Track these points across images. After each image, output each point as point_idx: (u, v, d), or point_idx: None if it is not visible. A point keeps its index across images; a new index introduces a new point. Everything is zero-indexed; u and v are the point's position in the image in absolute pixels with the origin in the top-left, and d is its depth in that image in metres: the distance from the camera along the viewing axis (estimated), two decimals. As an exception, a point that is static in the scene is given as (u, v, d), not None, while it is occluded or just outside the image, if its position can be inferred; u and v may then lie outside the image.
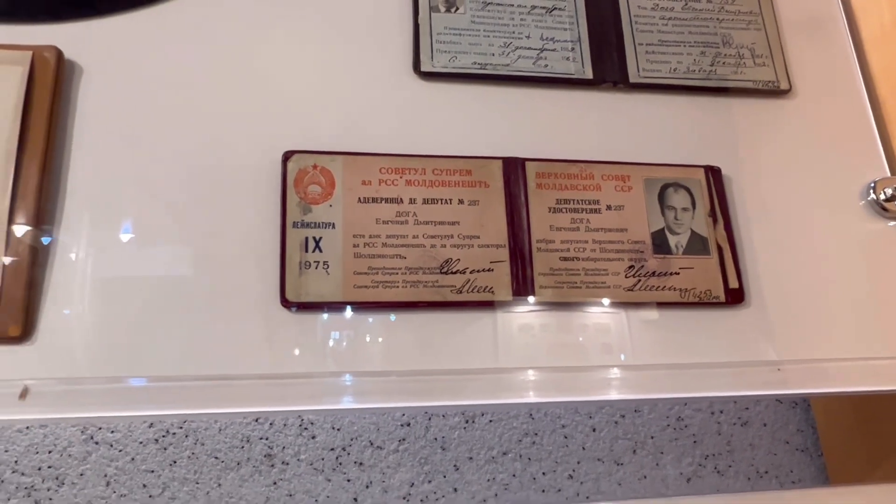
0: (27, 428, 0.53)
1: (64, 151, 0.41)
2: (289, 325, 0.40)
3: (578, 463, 0.56)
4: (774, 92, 0.50)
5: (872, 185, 0.48)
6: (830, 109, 0.51)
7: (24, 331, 0.37)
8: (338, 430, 0.55)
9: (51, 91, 0.41)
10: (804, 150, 0.49)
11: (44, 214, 0.39)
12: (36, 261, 0.38)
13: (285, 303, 0.40)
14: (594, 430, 0.58)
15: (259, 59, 0.45)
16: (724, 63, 0.50)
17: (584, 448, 0.57)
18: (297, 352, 0.39)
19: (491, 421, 0.57)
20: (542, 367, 0.42)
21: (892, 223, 0.48)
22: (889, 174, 0.49)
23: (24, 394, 0.36)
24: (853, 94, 0.52)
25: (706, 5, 0.52)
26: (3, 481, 0.50)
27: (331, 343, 0.40)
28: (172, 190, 0.41)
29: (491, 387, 0.41)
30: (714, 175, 0.47)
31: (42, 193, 0.39)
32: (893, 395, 0.47)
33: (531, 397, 0.41)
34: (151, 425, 0.53)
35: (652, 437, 0.58)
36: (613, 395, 0.42)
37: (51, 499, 0.49)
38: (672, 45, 0.50)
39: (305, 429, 0.55)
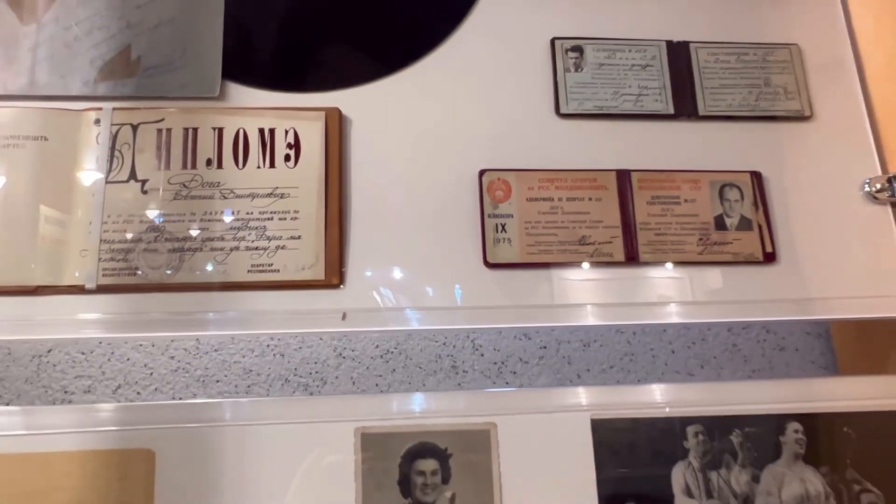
0: (300, 347, 0.81)
1: (348, 183, 0.68)
2: (489, 277, 0.65)
3: (662, 374, 0.81)
4: (801, 118, 0.73)
5: (868, 180, 0.71)
6: (840, 129, 0.74)
7: (340, 280, 0.64)
8: (497, 350, 0.81)
9: (337, 139, 0.68)
10: (821, 159, 0.72)
11: (342, 228, 0.66)
12: (343, 245, 0.65)
13: (486, 264, 0.65)
14: (673, 352, 0.82)
15: (463, 109, 0.70)
16: (765, 98, 0.73)
17: (666, 364, 0.82)
18: (494, 294, 0.65)
19: (601, 345, 0.82)
20: (640, 302, 0.67)
21: (881, 206, 0.71)
22: (880, 173, 0.72)
23: (344, 316, 0.63)
24: (857, 116, 0.74)
25: (752, 57, 0.75)
26: (288, 381, 0.78)
27: (512, 287, 0.66)
28: (416, 198, 0.67)
29: (605, 314, 0.66)
30: (757, 177, 0.70)
31: (341, 209, 0.66)
32: (884, 322, 0.71)
33: (631, 319, 0.67)
34: (377, 346, 0.80)
35: (714, 357, 0.83)
36: (689, 319, 0.66)
37: (319, 391, 0.77)
38: (728, 87, 0.73)
39: (475, 349, 0.81)
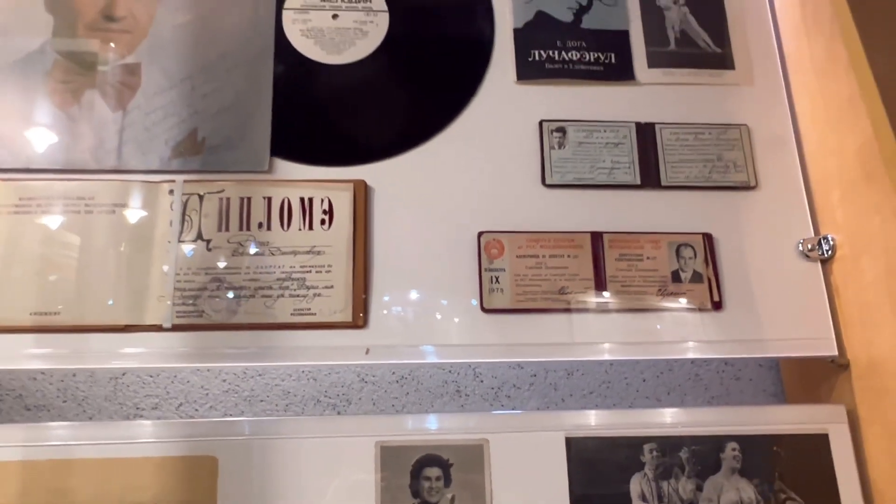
0: (329, 373, 0.96)
1: (371, 241, 0.83)
2: (485, 320, 0.81)
3: (634, 399, 0.96)
4: (747, 187, 0.88)
5: (801, 241, 0.86)
6: (780, 196, 0.88)
7: (364, 322, 0.80)
8: (495, 377, 0.96)
9: (363, 205, 0.84)
10: (763, 222, 0.87)
11: (367, 279, 0.82)
12: (367, 293, 0.81)
13: (483, 309, 0.81)
14: (644, 380, 0.97)
15: (466, 180, 0.86)
16: (717, 171, 0.88)
17: (637, 391, 0.97)
18: (489, 333, 0.80)
19: (583, 374, 0.97)
20: (609, 341, 0.81)
21: (812, 263, 0.86)
22: (812, 234, 0.87)
23: (367, 351, 0.79)
24: (795, 186, 0.89)
25: (708, 136, 0.90)
26: (319, 401, 0.93)
27: (504, 328, 0.81)
28: (425, 253, 0.82)
29: (584, 351, 0.81)
30: (708, 238, 0.85)
31: (366, 263, 0.82)
32: (816, 360, 0.85)
33: (606, 355, 0.82)
34: (394, 373, 0.96)
35: (679, 385, 0.97)
36: (651, 356, 0.81)
37: (345, 410, 0.93)
38: (687, 161, 0.88)
39: (476, 376, 0.96)
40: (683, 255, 0.84)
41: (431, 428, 0.77)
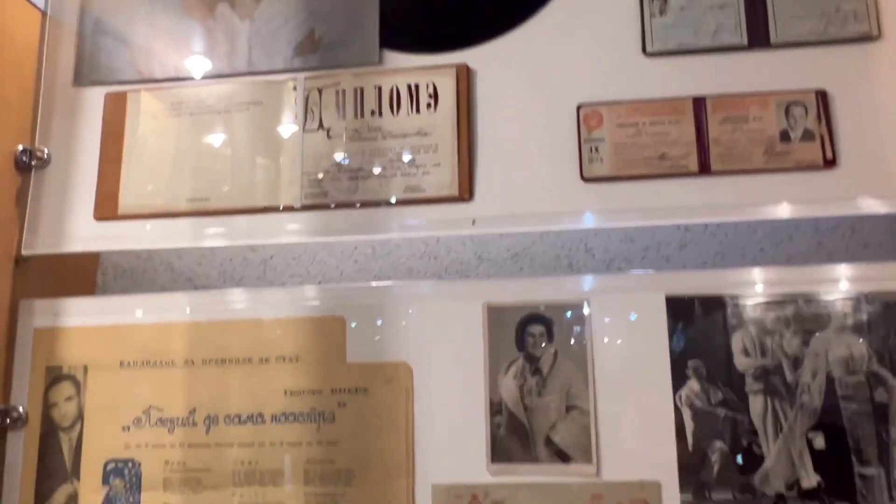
0: (448, 252, 1.03)
1: (475, 120, 0.87)
2: (586, 189, 0.83)
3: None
4: (868, 38, 0.83)
5: (930, 91, 0.80)
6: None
7: (471, 195, 0.85)
8: (606, 251, 0.99)
9: (466, 87, 0.88)
10: (888, 75, 0.82)
11: (471, 156, 0.87)
12: (472, 169, 0.86)
13: (583, 179, 0.83)
14: (762, 250, 0.96)
15: (564, 55, 0.88)
16: (834, 23, 0.84)
17: (753, 261, 0.96)
18: (590, 200, 0.83)
19: (696, 246, 0.97)
20: (712, 205, 0.81)
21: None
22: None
23: (473, 222, 0.85)
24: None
25: (824, -12, 0.85)
26: (441, 277, 1.01)
27: (603, 196, 0.83)
28: (527, 129, 0.86)
29: (685, 214, 0.82)
30: (822, 95, 0.82)
31: (470, 141, 0.87)
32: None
33: (708, 218, 0.82)
34: (508, 250, 1.01)
35: (800, 254, 0.95)
36: (751, 217, 0.81)
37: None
38: (799, 16, 0.84)
39: (587, 251, 1.00)
40: (793, 114, 0.82)
41: (535, 289, 0.82)
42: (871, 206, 0.79)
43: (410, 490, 0.79)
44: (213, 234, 0.88)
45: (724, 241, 0.97)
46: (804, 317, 0.77)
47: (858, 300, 0.76)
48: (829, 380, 0.76)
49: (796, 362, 0.77)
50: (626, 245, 0.98)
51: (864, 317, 0.76)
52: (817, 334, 0.77)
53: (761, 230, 0.96)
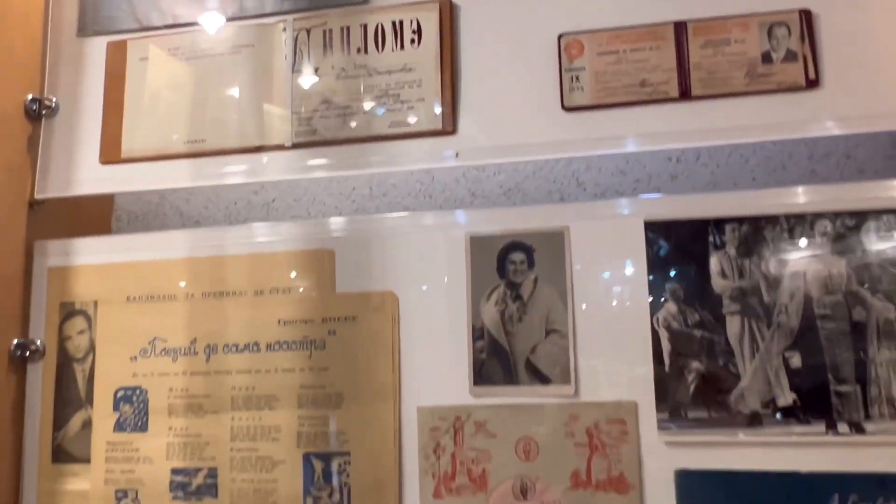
0: (443, 190, 1.05)
1: (458, 55, 0.88)
2: (567, 118, 0.84)
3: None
4: (855, -46, 0.81)
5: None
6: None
7: (454, 129, 0.87)
8: (598, 184, 0.99)
9: (449, 22, 0.89)
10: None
11: (454, 90, 0.88)
12: (455, 103, 0.87)
13: (564, 108, 0.84)
14: (754, 179, 0.95)
15: None
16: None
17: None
18: (571, 129, 0.84)
19: (687, 177, 0.97)
20: (692, 130, 0.81)
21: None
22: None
23: (457, 155, 0.86)
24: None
25: None
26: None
27: (586, 124, 0.84)
28: (507, 61, 0.86)
29: (665, 139, 0.82)
30: (805, 14, 0.80)
31: (453, 75, 0.88)
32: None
33: (691, 143, 0.82)
34: (501, 186, 1.02)
35: (793, 182, 0.95)
36: (735, 140, 0.80)
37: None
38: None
39: (579, 185, 1.00)
40: (776, 35, 0.81)
41: (516, 218, 0.84)
42: (854, 125, 0.78)
43: (397, 412, 0.82)
44: (210, 174, 0.92)
45: (715, 171, 0.96)
46: (783, 238, 0.77)
47: (837, 220, 0.76)
48: (807, 300, 0.76)
49: (774, 283, 0.77)
50: (616, 178, 0.99)
51: (843, 237, 0.76)
52: (796, 255, 0.77)
53: (753, 159, 0.95)
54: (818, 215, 0.77)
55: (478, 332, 0.82)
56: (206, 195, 1.11)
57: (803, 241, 0.77)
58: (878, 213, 0.75)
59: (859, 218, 0.76)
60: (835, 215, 0.76)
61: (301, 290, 0.87)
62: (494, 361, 0.81)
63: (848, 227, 0.76)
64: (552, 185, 1.00)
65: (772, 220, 0.78)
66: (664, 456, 0.76)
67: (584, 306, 0.80)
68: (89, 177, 0.95)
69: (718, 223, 0.78)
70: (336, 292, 0.86)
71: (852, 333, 0.74)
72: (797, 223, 0.77)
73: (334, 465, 0.83)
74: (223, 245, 0.91)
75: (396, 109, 0.88)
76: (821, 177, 0.93)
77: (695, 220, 0.79)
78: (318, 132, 0.89)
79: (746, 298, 0.77)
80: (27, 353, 0.93)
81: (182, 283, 0.90)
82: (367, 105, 0.89)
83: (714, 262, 0.78)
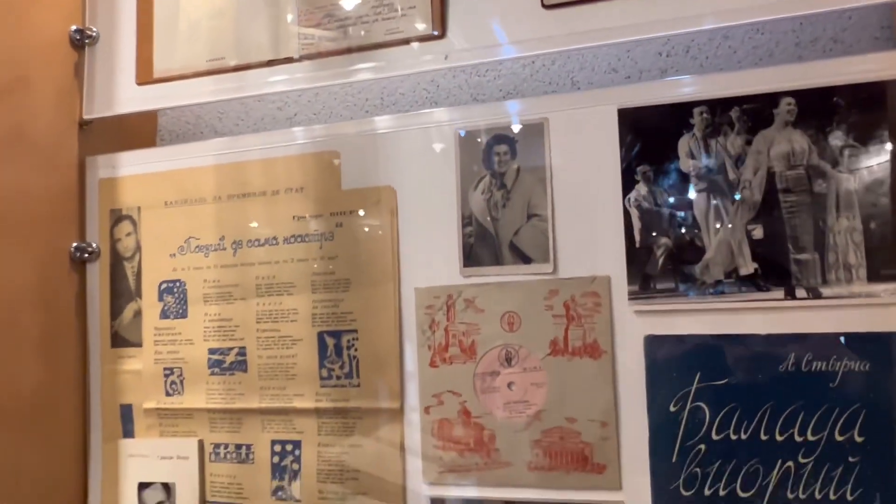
0: (446, 97, 1.12)
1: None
2: (548, 16, 0.89)
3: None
4: None
5: None
6: None
7: (443, 32, 0.93)
8: (591, 83, 1.04)
9: (438, -71, 0.94)
10: None
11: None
12: (444, 8, 0.93)
13: (544, 6, 0.89)
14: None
15: None
16: None
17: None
18: (553, 26, 0.89)
19: (677, 71, 1.01)
20: (676, 17, 0.85)
21: None
22: None
23: (446, 57, 0.93)
24: None
25: None
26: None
27: (568, 20, 0.88)
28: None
29: (649, 28, 0.86)
30: None
31: (441, -25, 0.93)
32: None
33: (668, 31, 0.85)
34: (501, 90, 1.08)
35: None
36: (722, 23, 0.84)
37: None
38: None
39: (573, 84, 1.05)
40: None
41: (500, 112, 0.90)
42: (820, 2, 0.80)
43: (397, 293, 0.92)
44: (230, 89, 1.02)
45: (704, 63, 0.99)
46: (748, 118, 0.81)
47: (800, 98, 0.79)
48: (770, 175, 0.80)
49: (738, 160, 0.81)
50: (609, 76, 1.03)
51: (806, 113, 0.79)
52: (760, 133, 0.81)
53: (741, 50, 0.97)
54: (782, 94, 0.80)
55: (466, 219, 0.90)
56: (237, 113, 1.21)
57: (768, 120, 0.80)
58: (840, 89, 0.78)
59: (822, 94, 0.79)
60: (798, 93, 0.79)
61: (311, 188, 0.97)
62: (481, 245, 0.89)
63: (810, 103, 0.79)
64: (548, 87, 1.06)
65: (737, 100, 0.81)
66: (634, 324, 0.83)
67: (561, 191, 0.86)
68: (128, 97, 1.06)
69: (686, 107, 0.83)
70: (342, 189, 0.95)
71: (812, 205, 0.78)
72: (762, 103, 0.80)
73: (344, 341, 0.93)
74: (244, 152, 1.01)
75: (391, 18, 0.95)
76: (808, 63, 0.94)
77: (663, 105, 0.84)
78: (322, 44, 0.97)
79: (712, 176, 0.82)
80: (85, 255, 1.06)
81: (210, 188, 1.01)
82: (365, 15, 0.96)
83: (682, 144, 0.83)
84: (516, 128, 0.89)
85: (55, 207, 1.05)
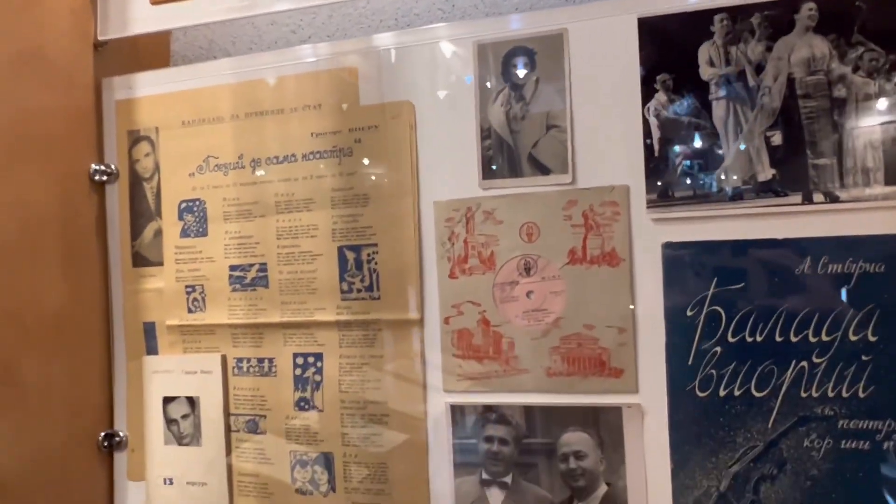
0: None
1: None
2: (565, -75, 0.88)
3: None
4: None
5: None
6: None
7: None
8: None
9: None
10: None
11: None
12: None
13: (563, -86, 0.88)
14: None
15: None
16: None
17: None
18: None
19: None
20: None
21: None
22: None
23: None
24: None
25: None
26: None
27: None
28: None
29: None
30: None
31: None
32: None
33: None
34: (517, 8, 1.07)
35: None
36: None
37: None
38: None
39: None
40: None
41: (519, 24, 0.90)
42: None
43: (416, 207, 0.93)
44: (243, 6, 1.01)
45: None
46: (769, 24, 0.81)
47: (820, 3, 0.79)
48: (790, 81, 0.80)
49: (759, 68, 0.81)
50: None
51: (828, 19, 0.79)
52: (781, 39, 0.81)
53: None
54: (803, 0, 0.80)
55: (485, 132, 0.90)
56: (250, 37, 1.21)
57: (789, 26, 0.80)
58: (862, -7, 0.78)
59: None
60: (820, -2, 0.79)
61: (329, 104, 0.97)
62: (500, 157, 0.90)
63: (832, 7, 0.79)
64: (565, 2, 1.05)
65: (758, 7, 0.81)
66: (652, 231, 0.84)
67: (581, 102, 0.87)
68: (141, 16, 1.06)
69: (706, 14, 0.83)
70: (360, 105, 0.96)
71: (832, 109, 0.79)
72: (784, 9, 0.80)
73: (364, 255, 0.95)
74: (260, 70, 1.01)
75: (408, -70, 0.94)
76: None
77: (683, 13, 0.83)
78: (338, -42, 0.97)
79: (732, 84, 0.82)
80: (104, 177, 1.07)
81: (228, 106, 1.02)
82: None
83: (702, 52, 0.83)
84: (535, 40, 0.88)
85: (73, 129, 1.05)
